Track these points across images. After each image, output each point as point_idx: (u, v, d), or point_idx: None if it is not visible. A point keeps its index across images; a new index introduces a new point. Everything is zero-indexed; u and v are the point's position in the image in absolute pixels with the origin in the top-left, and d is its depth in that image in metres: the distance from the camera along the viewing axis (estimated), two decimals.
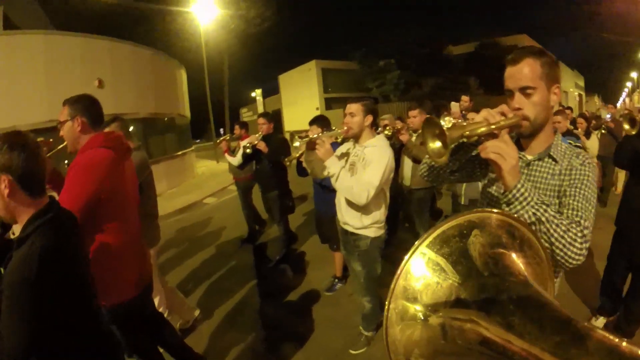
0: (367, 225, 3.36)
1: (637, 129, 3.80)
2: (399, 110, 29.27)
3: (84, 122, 2.53)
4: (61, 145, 2.74)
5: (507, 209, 1.50)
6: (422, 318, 0.75)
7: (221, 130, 25.47)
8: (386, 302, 0.76)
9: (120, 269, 2.53)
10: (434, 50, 33.82)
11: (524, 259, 0.82)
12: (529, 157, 1.74)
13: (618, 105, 23.75)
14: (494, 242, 0.82)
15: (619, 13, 34.89)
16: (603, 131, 7.91)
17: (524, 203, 1.46)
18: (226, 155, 6.72)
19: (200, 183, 16.55)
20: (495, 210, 0.85)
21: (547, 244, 1.45)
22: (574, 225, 1.48)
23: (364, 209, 3.29)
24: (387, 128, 5.46)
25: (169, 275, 6.13)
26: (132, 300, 2.62)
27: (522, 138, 1.75)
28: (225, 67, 36.14)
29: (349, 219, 3.43)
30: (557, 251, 1.45)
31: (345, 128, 3.32)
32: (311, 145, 3.26)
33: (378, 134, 3.61)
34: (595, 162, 7.22)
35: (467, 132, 1.41)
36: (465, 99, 7.42)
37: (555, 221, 1.45)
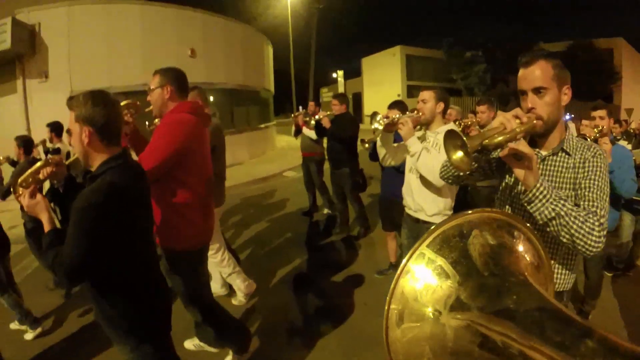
0: (442, 211, 3.36)
1: None
2: None
3: (172, 90, 2.84)
4: (148, 109, 3.06)
5: (528, 207, 1.62)
6: (423, 318, 0.76)
7: (300, 107, 25.81)
8: (386, 302, 0.78)
9: (194, 218, 2.85)
10: (524, 47, 32.27)
11: (524, 259, 0.83)
12: (544, 153, 1.83)
13: None
14: (494, 242, 0.82)
15: None
16: None
17: (544, 200, 1.56)
18: (304, 128, 7.07)
19: (280, 156, 16.99)
20: (494, 210, 0.86)
21: (567, 236, 1.56)
22: (590, 216, 1.57)
23: (439, 192, 3.30)
24: (457, 122, 5.45)
25: (235, 236, 6.75)
26: (199, 250, 2.97)
27: (536, 137, 1.84)
28: (313, 46, 36.39)
29: (424, 204, 3.40)
30: (578, 241, 1.55)
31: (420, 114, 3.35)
32: (389, 127, 3.31)
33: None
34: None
35: (487, 141, 1.50)
36: None
37: (574, 214, 1.54)
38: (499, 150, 1.71)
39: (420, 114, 3.36)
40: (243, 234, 7.05)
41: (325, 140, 6.80)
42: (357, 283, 5.04)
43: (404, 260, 0.78)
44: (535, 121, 1.65)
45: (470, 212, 0.85)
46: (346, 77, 43.96)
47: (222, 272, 4.38)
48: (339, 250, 6.19)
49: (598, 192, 1.65)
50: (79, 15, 11.37)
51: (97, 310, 2.08)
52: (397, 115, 3.31)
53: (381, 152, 3.67)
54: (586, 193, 1.66)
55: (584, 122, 4.27)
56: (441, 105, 3.35)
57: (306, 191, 8.03)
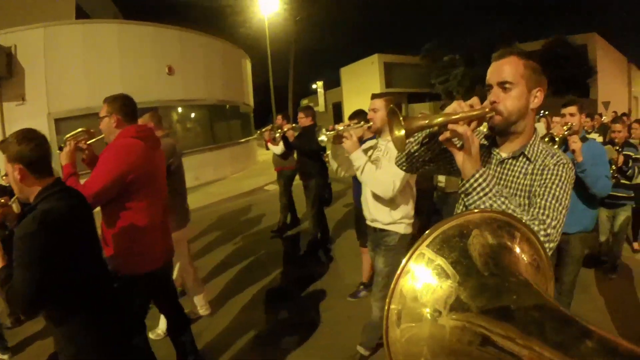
0: (397, 220, 3.26)
1: None
2: None
3: (119, 119, 2.94)
4: (100, 136, 3.17)
5: (465, 199, 1.51)
6: (422, 318, 0.75)
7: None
8: (386, 302, 0.77)
9: (146, 245, 2.89)
10: (501, 47, 32.68)
11: (524, 259, 0.82)
12: (503, 155, 1.70)
13: None
14: (494, 242, 0.81)
15: None
16: None
17: (481, 194, 1.44)
18: (269, 144, 7.01)
19: (262, 170, 16.95)
20: (495, 210, 0.87)
21: None
22: (536, 222, 1.44)
23: (392, 203, 3.22)
24: None
25: (213, 253, 6.73)
26: (150, 274, 2.96)
27: (498, 136, 1.72)
28: (292, 59, 36.53)
29: (377, 214, 3.32)
30: None
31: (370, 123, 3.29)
32: (338, 139, 3.25)
33: None
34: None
35: (427, 121, 1.42)
36: None
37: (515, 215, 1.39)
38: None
39: (371, 123, 3.31)
40: (223, 250, 7.02)
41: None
42: (340, 296, 5.01)
43: (404, 260, 0.77)
44: (489, 111, 1.55)
45: (470, 211, 0.84)
46: (326, 87, 44.14)
47: None
48: (310, 265, 6.14)
49: (552, 201, 1.50)
50: (55, 36, 11.29)
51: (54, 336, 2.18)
52: (342, 127, 3.27)
53: (333, 164, 3.65)
54: (538, 200, 1.52)
55: (555, 119, 4.25)
56: None
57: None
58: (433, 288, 0.75)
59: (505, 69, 1.59)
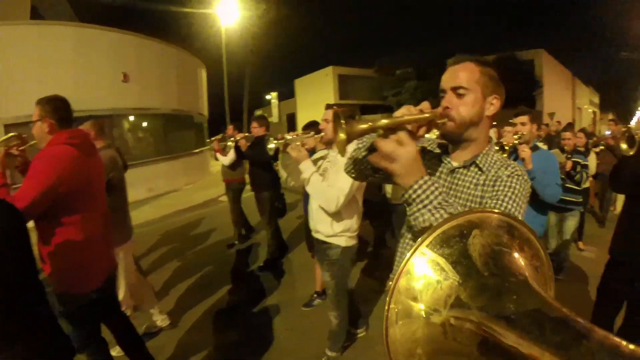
0: (338, 233, 3.27)
1: (635, 149, 3.39)
2: None
3: (52, 123, 2.72)
4: (33, 142, 2.95)
5: (407, 209, 1.39)
6: (422, 318, 0.74)
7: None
8: (386, 302, 0.76)
9: (85, 261, 2.71)
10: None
11: (524, 259, 0.81)
12: (454, 164, 1.63)
13: (632, 123, 23.46)
14: (494, 242, 0.81)
15: (637, 33, 34.84)
16: (602, 147, 7.72)
17: (420, 205, 1.30)
18: (218, 154, 6.83)
19: (215, 181, 16.64)
20: (495, 210, 0.85)
21: None
22: None
23: (334, 216, 3.23)
24: None
25: (166, 267, 6.56)
26: (94, 291, 2.78)
27: (450, 144, 1.65)
28: (247, 71, 36.35)
29: (320, 226, 3.34)
30: None
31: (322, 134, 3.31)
32: (287, 149, 3.25)
33: None
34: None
35: (370, 125, 1.32)
36: None
37: None
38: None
39: (322, 134, 3.33)
40: (176, 263, 6.83)
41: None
42: (300, 305, 5.01)
43: (405, 260, 0.77)
44: (441, 116, 1.46)
45: (470, 211, 0.84)
46: (280, 98, 44.00)
47: None
48: (264, 279, 6.06)
49: None
50: (9, 36, 10.60)
51: None
52: (290, 137, 3.28)
53: (283, 173, 3.66)
54: None
55: (507, 128, 4.39)
56: None
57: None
58: (433, 288, 0.75)
59: (460, 74, 1.52)
